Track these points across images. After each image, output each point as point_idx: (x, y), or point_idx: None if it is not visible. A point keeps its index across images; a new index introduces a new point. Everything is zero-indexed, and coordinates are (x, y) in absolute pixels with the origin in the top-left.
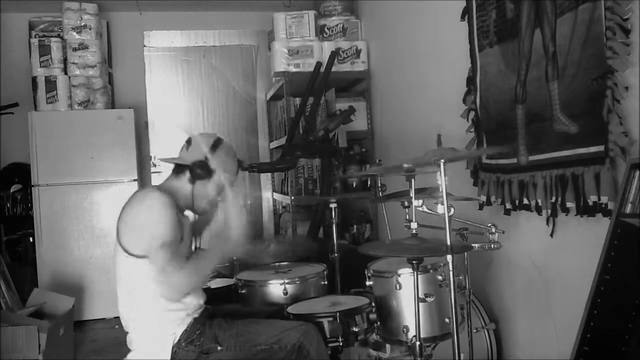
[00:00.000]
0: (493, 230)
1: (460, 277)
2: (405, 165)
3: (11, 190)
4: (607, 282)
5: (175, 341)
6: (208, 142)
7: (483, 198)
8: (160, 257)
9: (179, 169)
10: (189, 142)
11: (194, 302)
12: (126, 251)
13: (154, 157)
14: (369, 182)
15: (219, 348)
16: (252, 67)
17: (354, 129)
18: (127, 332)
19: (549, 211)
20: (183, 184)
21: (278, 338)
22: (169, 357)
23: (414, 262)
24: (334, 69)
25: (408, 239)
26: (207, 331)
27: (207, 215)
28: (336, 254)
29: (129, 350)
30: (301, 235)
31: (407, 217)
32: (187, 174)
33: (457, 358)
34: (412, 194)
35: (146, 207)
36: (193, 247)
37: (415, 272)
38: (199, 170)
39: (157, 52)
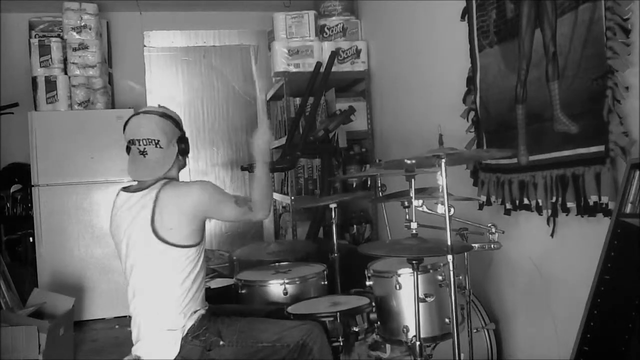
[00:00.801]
0: (493, 230)
1: (460, 277)
2: (408, 161)
3: (11, 190)
4: (607, 282)
5: (184, 334)
6: (165, 123)
7: (483, 198)
8: (240, 208)
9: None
10: (149, 142)
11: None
12: (173, 244)
13: None
14: (369, 182)
15: (221, 343)
16: (252, 67)
17: (354, 129)
18: (131, 326)
19: (550, 211)
20: (176, 166)
21: (281, 336)
22: (178, 351)
23: (414, 262)
24: (334, 69)
25: (408, 239)
26: (211, 327)
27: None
28: (336, 254)
29: (129, 351)
30: (300, 240)
31: (407, 217)
32: (176, 160)
33: (457, 358)
34: (412, 194)
35: (198, 190)
36: None
37: (415, 272)
38: (185, 145)
39: (157, 52)
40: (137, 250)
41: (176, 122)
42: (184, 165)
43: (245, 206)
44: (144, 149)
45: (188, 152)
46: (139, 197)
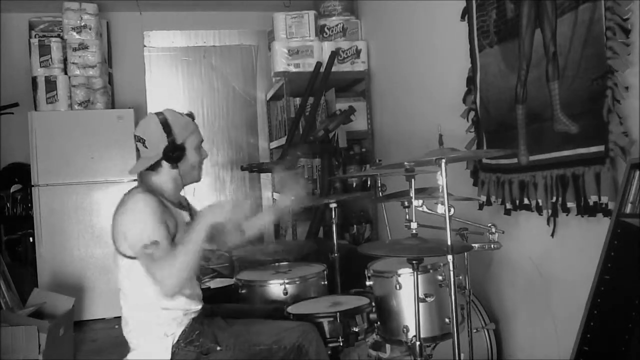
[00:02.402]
0: (493, 230)
1: (460, 277)
2: (407, 163)
3: (11, 190)
4: (607, 282)
5: (175, 341)
6: (157, 126)
7: (483, 198)
8: (144, 257)
9: (152, 166)
10: (140, 139)
11: (190, 307)
12: (120, 253)
13: None
14: (369, 182)
15: (218, 348)
16: (252, 67)
17: (354, 129)
18: (125, 332)
19: (550, 211)
20: (166, 174)
21: (277, 338)
22: (169, 357)
23: (414, 262)
24: (334, 69)
25: (408, 239)
26: (206, 331)
27: (200, 175)
28: (336, 254)
29: (129, 350)
30: (300, 241)
31: (407, 217)
32: (165, 165)
33: (457, 358)
34: (412, 194)
35: (129, 209)
36: None
37: (415, 272)
38: (174, 154)
39: (157, 52)
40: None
41: (168, 129)
42: (178, 176)
43: (153, 264)
44: (137, 145)
45: (175, 162)
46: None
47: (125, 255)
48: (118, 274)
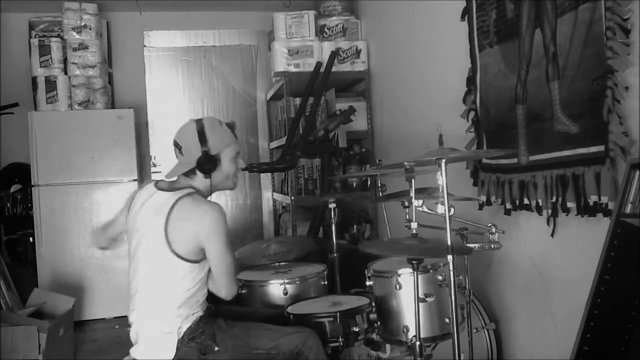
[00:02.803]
0: (493, 230)
1: (460, 277)
2: (407, 163)
3: (11, 190)
4: (607, 282)
5: (180, 337)
6: (193, 135)
7: (483, 198)
8: (223, 274)
9: (188, 172)
10: (177, 145)
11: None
12: (181, 257)
13: (154, 157)
14: (369, 182)
15: (216, 348)
16: (252, 67)
17: (354, 129)
18: (130, 327)
19: (550, 211)
20: (199, 180)
21: (277, 343)
22: (174, 353)
23: (414, 262)
24: (334, 69)
25: (408, 239)
26: (207, 329)
27: (235, 183)
28: (336, 254)
29: (129, 351)
30: (302, 235)
31: (407, 217)
32: (199, 173)
33: (457, 358)
34: (412, 194)
35: (210, 221)
36: None
37: (415, 272)
38: (207, 165)
39: (157, 52)
40: (145, 251)
41: (204, 139)
42: (209, 184)
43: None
44: (175, 150)
45: (208, 172)
46: (162, 198)
47: (184, 259)
48: (157, 273)
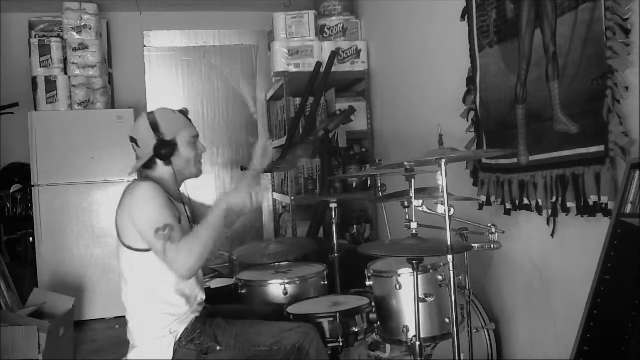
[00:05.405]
0: (493, 230)
1: (460, 277)
2: (407, 163)
3: (11, 190)
4: (607, 282)
5: (177, 339)
6: (146, 126)
7: (483, 198)
8: (159, 242)
9: (147, 164)
10: (133, 140)
11: (196, 294)
12: (130, 248)
13: None
14: (369, 182)
15: (218, 348)
16: (252, 67)
17: (354, 129)
18: (128, 329)
19: (550, 211)
20: (162, 170)
21: (278, 339)
22: (171, 356)
23: (414, 262)
24: (334, 69)
25: (408, 239)
26: (207, 330)
27: (199, 169)
28: (336, 254)
29: (129, 350)
30: (301, 237)
31: (407, 217)
32: (159, 162)
33: (457, 358)
34: (412, 194)
35: (138, 197)
36: None
37: (415, 272)
38: (164, 150)
39: (157, 52)
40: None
41: (156, 127)
42: (173, 172)
43: (169, 246)
44: (132, 146)
45: (167, 158)
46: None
47: (131, 248)
48: (122, 269)
